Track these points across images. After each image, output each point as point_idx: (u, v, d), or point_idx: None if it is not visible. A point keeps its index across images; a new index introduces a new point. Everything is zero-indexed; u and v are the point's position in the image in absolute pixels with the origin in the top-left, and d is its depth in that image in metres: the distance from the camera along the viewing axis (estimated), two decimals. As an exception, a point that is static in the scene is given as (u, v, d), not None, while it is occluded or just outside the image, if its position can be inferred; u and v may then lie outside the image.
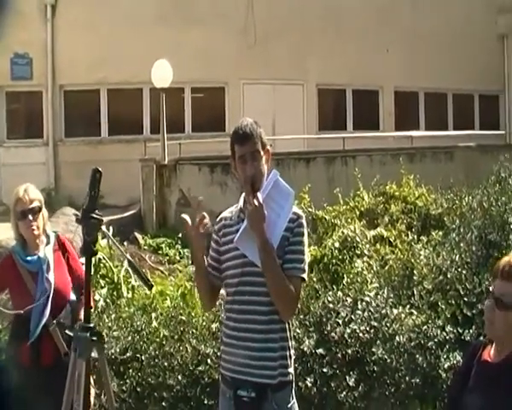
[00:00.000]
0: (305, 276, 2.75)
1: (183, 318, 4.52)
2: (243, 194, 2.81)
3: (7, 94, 14.13)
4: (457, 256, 5.00)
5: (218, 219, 2.89)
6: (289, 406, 2.76)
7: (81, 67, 13.38)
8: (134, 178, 11.62)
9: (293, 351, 2.83)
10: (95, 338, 2.34)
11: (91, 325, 2.41)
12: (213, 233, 2.87)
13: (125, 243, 9.19)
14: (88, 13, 13.56)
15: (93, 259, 6.62)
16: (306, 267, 2.77)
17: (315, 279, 5.03)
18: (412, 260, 5.18)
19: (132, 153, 12.34)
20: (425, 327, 4.40)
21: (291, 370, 2.78)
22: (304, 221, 2.80)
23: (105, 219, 9.49)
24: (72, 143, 13.85)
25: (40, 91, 14.06)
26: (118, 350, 4.33)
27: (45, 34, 13.83)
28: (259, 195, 2.63)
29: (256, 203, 2.59)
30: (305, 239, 2.77)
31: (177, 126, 13.62)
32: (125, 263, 5.67)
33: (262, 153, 2.74)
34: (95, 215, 2.39)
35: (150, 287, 2.76)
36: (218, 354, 3.24)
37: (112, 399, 2.47)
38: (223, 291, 2.89)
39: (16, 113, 14.45)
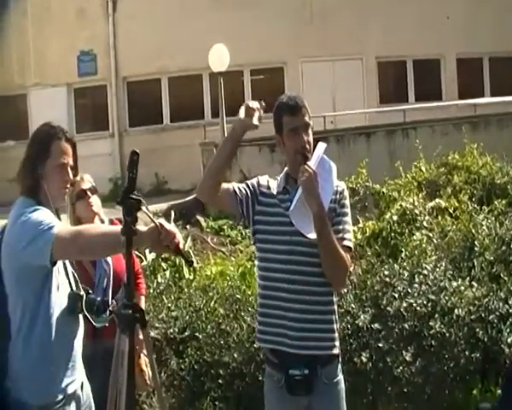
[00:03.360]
0: (352, 245, 2.73)
1: (239, 296, 4.58)
2: (286, 168, 2.80)
3: (75, 91, 14.67)
4: (521, 225, 4.81)
5: (263, 177, 2.83)
6: (337, 380, 2.75)
7: (142, 58, 13.70)
8: (196, 162, 11.81)
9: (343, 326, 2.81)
10: (137, 315, 2.41)
11: (134, 302, 2.49)
12: (254, 181, 2.80)
13: (188, 227, 9.38)
14: (146, 5, 13.84)
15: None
16: (352, 237, 2.75)
17: (370, 254, 4.96)
18: (473, 231, 5.02)
19: (194, 138, 12.54)
20: (486, 300, 4.26)
21: (338, 343, 2.77)
22: (347, 193, 2.79)
23: (167, 203, 9.72)
24: (136, 132, 14.24)
25: (105, 85, 14.53)
26: (177, 330, 4.43)
27: (107, 29, 14.26)
28: (311, 164, 2.62)
29: (311, 171, 2.58)
30: (349, 210, 2.77)
31: (237, 109, 13.52)
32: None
33: (311, 126, 2.73)
34: (134, 196, 2.45)
35: (191, 264, 2.80)
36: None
37: (156, 374, 2.54)
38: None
39: (83, 108, 15.01)
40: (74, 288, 2.57)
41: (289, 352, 2.67)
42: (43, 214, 2.40)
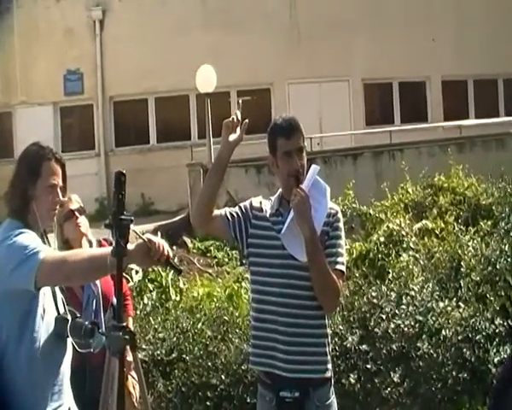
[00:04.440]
0: (344, 269, 2.72)
1: (226, 318, 4.56)
2: (280, 190, 2.80)
3: (61, 110, 14.65)
4: (507, 246, 4.85)
5: (256, 199, 2.84)
6: (329, 402, 2.72)
7: (129, 78, 13.74)
8: (183, 183, 11.80)
9: (331, 347, 2.80)
10: (127, 337, 2.39)
11: (123, 324, 2.47)
12: (247, 204, 2.80)
13: (174, 248, 9.34)
14: (133, 25, 13.91)
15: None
16: (345, 261, 2.75)
17: (358, 275, 4.97)
18: (459, 252, 5.06)
19: (181, 159, 12.54)
20: (473, 320, 4.29)
21: (330, 366, 2.75)
22: (341, 216, 2.79)
23: (153, 224, 9.63)
24: (122, 152, 14.22)
25: (91, 104, 14.52)
26: (164, 351, 4.41)
27: (94, 49, 14.28)
28: (304, 187, 2.63)
29: (303, 194, 2.59)
30: (343, 233, 2.77)
31: (224, 131, 13.71)
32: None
33: (305, 148, 2.75)
34: (124, 217, 2.44)
35: (179, 272, 2.78)
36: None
37: (145, 395, 2.52)
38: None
39: (70, 127, 14.98)
40: (62, 311, 2.53)
41: (281, 375, 2.65)
42: (28, 238, 2.37)
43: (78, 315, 2.59)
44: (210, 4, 14.15)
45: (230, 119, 2.71)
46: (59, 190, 2.50)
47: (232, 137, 2.70)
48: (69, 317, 2.48)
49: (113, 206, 2.53)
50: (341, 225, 2.76)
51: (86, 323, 2.53)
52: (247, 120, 2.72)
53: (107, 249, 2.34)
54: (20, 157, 2.53)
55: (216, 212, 2.75)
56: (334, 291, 2.64)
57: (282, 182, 2.74)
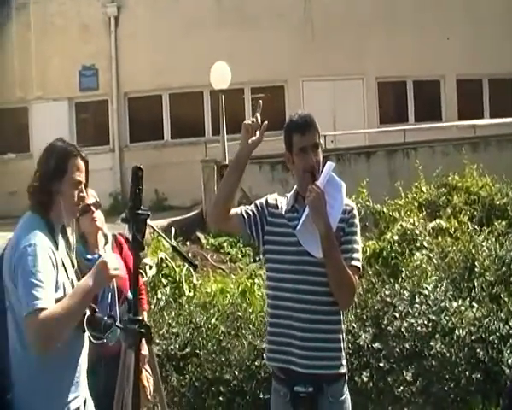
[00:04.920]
0: (360, 265, 2.74)
1: (240, 314, 4.59)
2: (295, 186, 2.82)
3: (76, 105, 14.75)
4: (522, 246, 4.83)
5: (272, 196, 2.86)
6: (343, 398, 2.74)
7: (143, 74, 13.80)
8: (196, 179, 11.84)
9: (344, 345, 2.82)
10: (143, 330, 2.42)
11: (140, 317, 2.51)
12: (263, 201, 2.83)
13: (188, 243, 9.39)
14: (148, 22, 13.96)
15: (156, 258, 6.78)
16: (361, 257, 2.76)
17: (371, 273, 4.98)
18: (473, 252, 5.05)
19: (195, 155, 12.58)
20: (486, 320, 4.27)
21: (345, 362, 2.77)
22: (356, 212, 2.80)
23: (167, 220, 9.70)
24: (136, 147, 14.29)
25: (106, 100, 14.60)
26: (177, 346, 4.44)
27: (109, 45, 14.36)
28: (319, 183, 2.64)
29: (318, 190, 2.61)
30: (359, 230, 2.77)
31: (238, 127, 13.49)
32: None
33: (320, 145, 2.77)
34: (141, 211, 2.47)
35: (195, 267, 2.82)
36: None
37: (161, 390, 2.55)
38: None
39: (84, 122, 15.07)
40: None
41: (297, 370, 2.67)
42: (43, 261, 2.38)
43: (97, 309, 2.62)
44: (225, 1, 14.16)
45: (250, 121, 2.72)
46: (83, 186, 2.55)
47: (251, 138, 2.72)
48: (87, 312, 2.52)
49: (130, 200, 2.57)
50: (357, 221, 2.77)
51: (105, 318, 2.56)
52: (266, 122, 2.73)
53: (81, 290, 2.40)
54: (45, 152, 2.56)
55: (232, 210, 2.77)
56: (349, 287, 2.66)
57: (298, 178, 2.77)
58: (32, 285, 2.32)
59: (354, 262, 2.69)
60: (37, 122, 14.35)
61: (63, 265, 2.52)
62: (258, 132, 2.73)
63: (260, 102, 2.78)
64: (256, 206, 2.81)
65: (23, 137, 14.57)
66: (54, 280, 2.40)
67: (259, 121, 2.73)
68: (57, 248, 2.50)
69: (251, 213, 2.79)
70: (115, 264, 2.52)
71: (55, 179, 2.49)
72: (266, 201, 2.83)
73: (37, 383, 2.41)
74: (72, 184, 2.51)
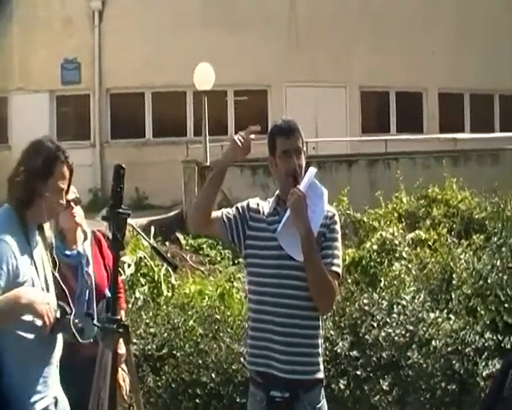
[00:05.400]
0: (340, 271, 2.75)
1: (218, 317, 4.57)
2: (277, 191, 2.83)
3: (57, 98, 14.59)
4: (499, 261, 4.87)
5: (254, 200, 2.86)
6: (319, 405, 2.75)
7: (126, 70, 13.72)
8: (177, 179, 11.80)
9: (322, 350, 2.82)
10: (121, 330, 2.40)
11: (118, 317, 2.48)
12: (244, 205, 2.82)
13: (167, 243, 9.33)
14: (133, 18, 13.89)
15: (134, 257, 6.72)
16: (341, 263, 2.78)
17: (350, 281, 4.99)
18: (451, 264, 5.09)
19: (176, 154, 12.55)
20: (463, 333, 4.30)
21: (322, 367, 2.78)
22: (338, 219, 2.82)
23: (147, 219, 9.62)
24: (117, 144, 14.20)
25: (88, 95, 14.49)
26: (154, 347, 4.40)
27: (93, 40, 14.26)
28: (301, 187, 2.66)
29: (299, 193, 2.62)
30: (340, 236, 2.79)
31: (220, 129, 13.77)
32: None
33: (303, 150, 2.78)
34: (122, 210, 2.45)
35: (175, 268, 2.80)
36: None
37: (138, 391, 2.53)
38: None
39: (65, 116, 14.93)
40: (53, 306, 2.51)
41: (276, 375, 2.67)
42: None
43: (69, 311, 2.57)
44: (211, 2, 14.15)
45: (241, 136, 2.72)
46: (64, 193, 2.52)
47: (239, 151, 2.72)
48: (58, 314, 2.47)
49: (111, 199, 2.55)
50: (338, 227, 2.79)
51: (76, 321, 2.51)
52: (253, 136, 2.73)
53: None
54: (33, 149, 2.52)
55: (213, 214, 2.77)
56: (329, 292, 2.67)
57: (280, 181, 2.78)
58: None
59: (334, 268, 2.70)
60: (17, 113, 14.18)
61: (33, 260, 2.47)
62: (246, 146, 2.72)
63: (257, 127, 2.77)
64: (237, 209, 2.81)
65: (1, 128, 14.38)
66: (3, 275, 2.33)
67: (250, 138, 2.73)
68: (28, 244, 2.45)
69: (232, 217, 2.79)
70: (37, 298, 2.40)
71: (38, 180, 2.45)
72: (248, 205, 2.83)
73: (4, 378, 2.37)
74: (54, 190, 2.48)
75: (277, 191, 2.83)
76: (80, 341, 2.53)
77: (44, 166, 2.46)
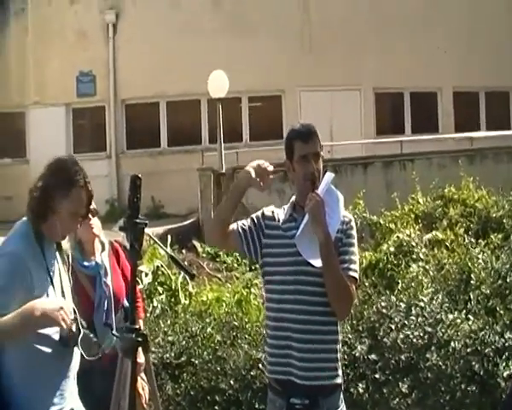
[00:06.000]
0: (357, 276, 2.74)
1: (236, 323, 4.58)
2: (293, 197, 2.83)
3: (73, 111, 14.75)
4: (517, 260, 4.84)
5: (268, 208, 2.86)
6: (339, 410, 2.75)
7: (141, 81, 13.82)
8: (193, 187, 11.85)
9: (340, 355, 2.82)
10: (140, 339, 2.42)
11: (136, 326, 2.50)
12: (259, 214, 2.82)
13: (184, 251, 9.37)
14: (146, 29, 14.00)
15: (151, 266, 6.77)
16: (358, 268, 2.77)
17: (367, 284, 4.98)
18: (469, 264, 5.05)
19: (191, 163, 12.61)
20: (482, 333, 4.26)
21: (341, 372, 2.78)
22: (354, 224, 2.81)
23: (163, 228, 9.69)
24: (133, 155, 14.30)
25: (103, 106, 14.62)
26: (173, 355, 4.43)
27: (107, 52, 14.39)
28: (319, 192, 2.66)
29: (318, 198, 2.62)
30: (356, 241, 2.79)
31: (235, 136, 13.82)
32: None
33: (321, 155, 2.78)
34: (139, 220, 2.47)
35: (192, 277, 2.82)
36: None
37: (157, 399, 2.55)
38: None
39: (81, 128, 15.07)
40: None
41: (295, 382, 2.67)
42: (6, 269, 2.37)
43: (85, 326, 2.59)
44: (223, 10, 14.23)
45: (264, 164, 2.72)
46: (78, 218, 2.55)
47: (255, 180, 2.71)
48: (74, 328, 2.49)
49: (128, 209, 2.58)
50: (354, 232, 2.78)
51: (91, 336, 2.54)
52: (272, 177, 2.73)
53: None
54: (55, 166, 2.56)
55: (229, 228, 2.78)
56: (347, 297, 2.67)
57: (298, 186, 2.78)
58: None
59: (351, 273, 2.69)
60: (34, 127, 14.35)
61: (48, 273, 2.50)
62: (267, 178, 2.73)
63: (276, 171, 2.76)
64: (252, 220, 2.82)
65: (19, 143, 14.56)
66: (16, 289, 2.36)
67: (272, 171, 2.73)
68: (44, 257, 2.48)
69: (247, 229, 2.79)
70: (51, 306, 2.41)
71: (55, 197, 2.48)
72: (262, 213, 2.83)
73: (17, 392, 2.40)
74: (68, 212, 2.51)
75: (293, 197, 2.84)
76: (94, 357, 2.55)
77: (62, 186, 2.50)
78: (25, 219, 2.55)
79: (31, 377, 2.41)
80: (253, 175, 2.71)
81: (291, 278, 2.69)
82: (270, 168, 2.73)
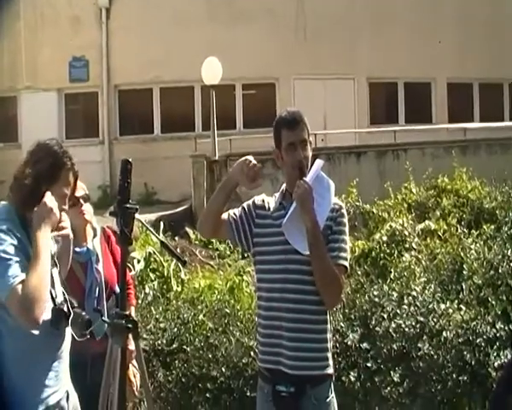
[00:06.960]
0: (347, 265, 2.72)
1: (228, 310, 4.57)
2: (283, 185, 2.81)
3: (66, 96, 14.63)
4: (510, 250, 4.84)
5: (259, 197, 2.84)
6: (328, 401, 2.72)
7: (134, 67, 13.72)
8: (186, 174, 11.80)
9: (332, 344, 2.80)
10: (130, 326, 2.40)
11: (127, 312, 2.48)
12: (250, 203, 2.81)
13: (176, 238, 9.35)
14: (140, 14, 13.88)
15: (144, 253, 6.74)
16: (348, 257, 2.75)
17: (360, 273, 4.98)
18: (462, 255, 5.07)
19: (184, 149, 12.55)
20: (474, 323, 4.27)
21: (331, 362, 2.76)
22: (345, 212, 2.79)
23: (156, 214, 9.68)
24: (126, 141, 14.22)
25: (96, 92, 14.51)
26: (164, 341, 4.41)
27: (100, 37, 14.26)
28: (308, 179, 2.63)
29: (306, 186, 2.60)
30: (347, 229, 2.76)
31: (228, 123, 13.76)
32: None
33: (309, 141, 2.75)
34: (129, 205, 2.44)
35: (184, 263, 2.80)
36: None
37: (147, 385, 2.53)
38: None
39: (74, 113, 14.96)
40: (59, 301, 2.52)
41: (284, 371, 2.66)
42: (5, 241, 2.36)
43: (76, 305, 2.58)
44: (217, -4, 14.14)
45: (251, 164, 2.68)
46: (66, 200, 2.53)
47: (244, 179, 2.69)
48: (65, 307, 2.47)
49: (119, 194, 2.55)
50: (345, 220, 2.75)
51: (83, 313, 2.52)
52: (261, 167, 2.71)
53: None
54: (40, 152, 2.52)
55: (221, 218, 2.77)
56: (335, 286, 2.64)
57: (287, 174, 2.76)
58: (2, 267, 2.30)
59: (341, 261, 2.67)
60: (26, 112, 14.23)
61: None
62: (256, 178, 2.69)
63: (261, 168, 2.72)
64: (243, 209, 2.81)
65: (11, 127, 14.44)
66: (19, 255, 2.35)
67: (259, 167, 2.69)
68: (30, 242, 2.43)
69: (238, 218, 2.78)
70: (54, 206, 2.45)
71: (44, 183, 2.45)
72: (253, 202, 2.81)
73: (14, 374, 2.38)
74: (58, 195, 2.48)
75: (283, 185, 2.81)
76: (92, 335, 2.53)
77: (51, 171, 2.47)
78: (4, 203, 2.51)
79: (24, 361, 2.40)
80: (243, 175, 2.69)
81: (280, 267, 2.68)
82: (258, 166, 2.70)
